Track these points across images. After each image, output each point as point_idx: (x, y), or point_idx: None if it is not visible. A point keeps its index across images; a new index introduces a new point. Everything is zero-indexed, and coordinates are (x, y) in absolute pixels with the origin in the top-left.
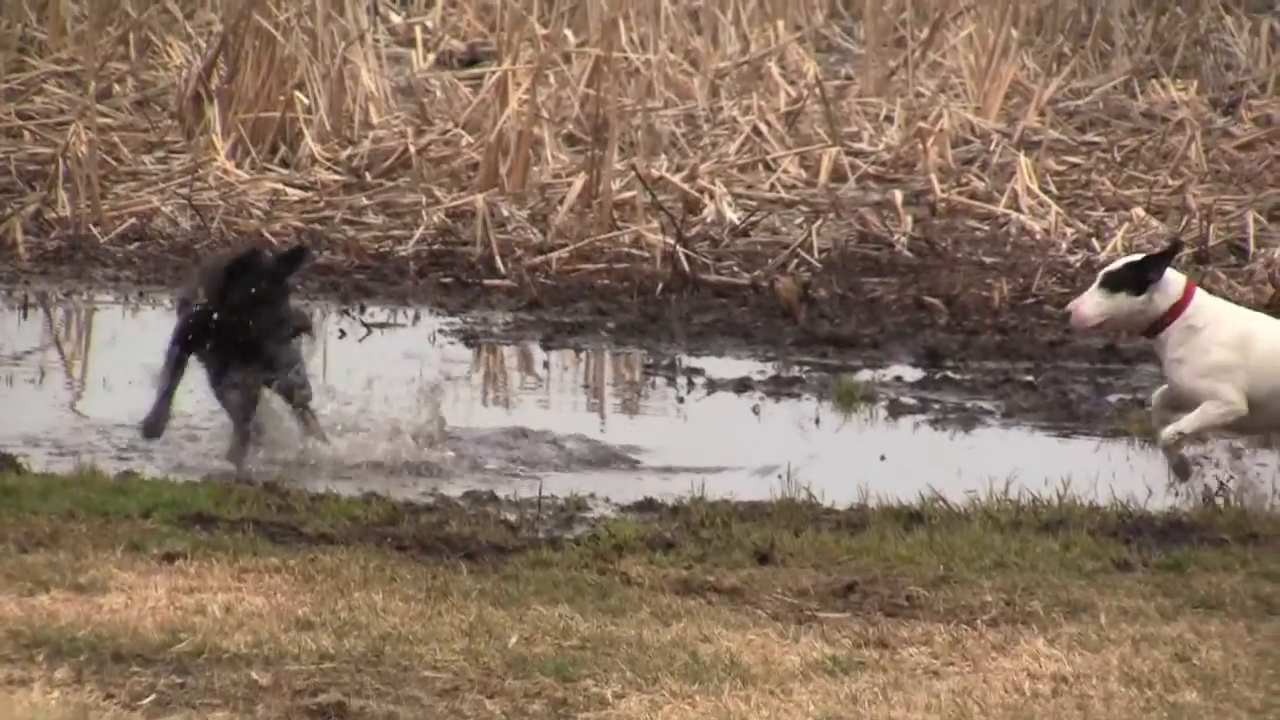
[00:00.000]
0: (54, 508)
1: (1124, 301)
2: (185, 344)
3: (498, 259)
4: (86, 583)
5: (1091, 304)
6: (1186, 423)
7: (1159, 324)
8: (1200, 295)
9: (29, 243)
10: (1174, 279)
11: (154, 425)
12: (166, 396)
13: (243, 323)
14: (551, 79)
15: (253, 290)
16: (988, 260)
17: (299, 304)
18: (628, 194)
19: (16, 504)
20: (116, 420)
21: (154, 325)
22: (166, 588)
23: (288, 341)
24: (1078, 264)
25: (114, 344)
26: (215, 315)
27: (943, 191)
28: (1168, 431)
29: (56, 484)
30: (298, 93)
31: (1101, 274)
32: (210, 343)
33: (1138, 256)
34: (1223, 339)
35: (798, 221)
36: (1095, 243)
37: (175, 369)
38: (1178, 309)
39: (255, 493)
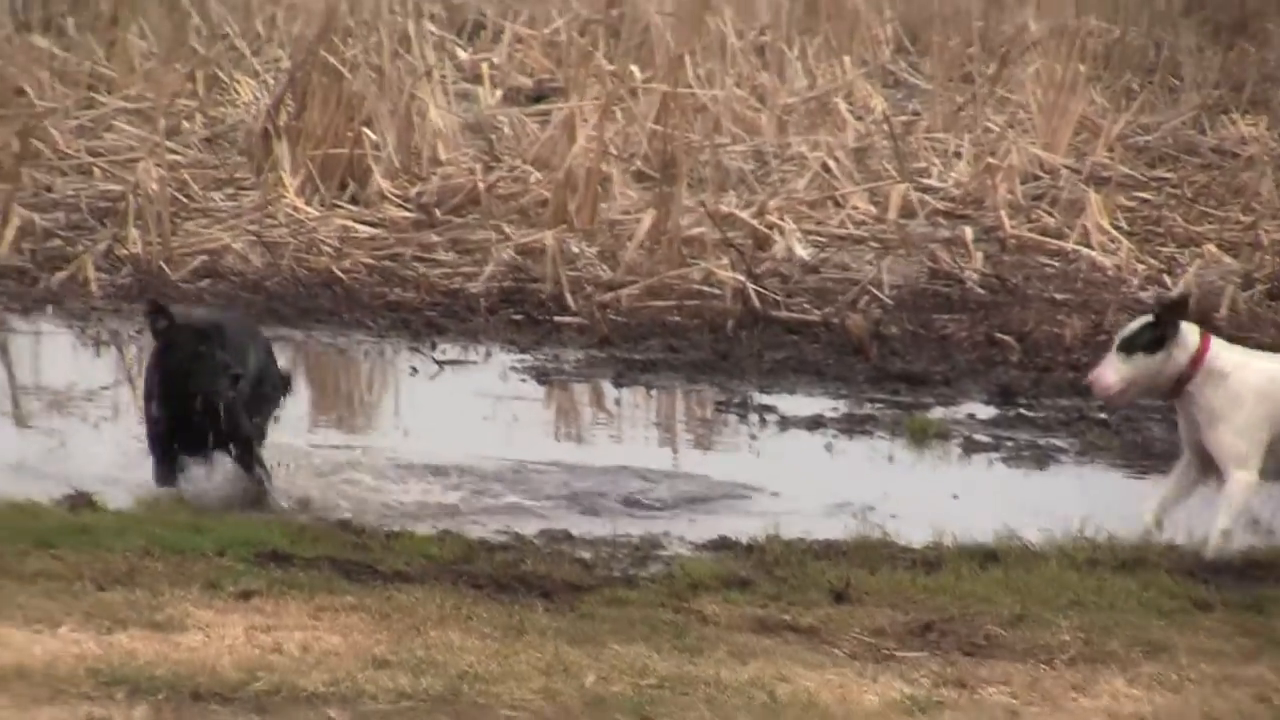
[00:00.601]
0: (130, 545)
1: (1143, 362)
2: (165, 450)
3: (568, 296)
4: (164, 620)
5: (1111, 370)
6: (1225, 518)
7: (1183, 379)
8: (1217, 342)
9: (100, 280)
10: (1189, 330)
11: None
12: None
13: (186, 382)
14: (619, 115)
15: (186, 356)
16: (1059, 297)
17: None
18: (697, 230)
19: (93, 541)
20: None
21: None
22: (243, 626)
23: (229, 395)
24: (1150, 300)
25: None
26: (163, 397)
27: (1013, 227)
28: (1214, 540)
29: (132, 521)
30: (366, 129)
31: (1117, 339)
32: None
33: (1149, 316)
34: (1256, 385)
35: (868, 258)
36: (1167, 279)
37: (169, 474)
38: (1198, 360)
39: (330, 530)
